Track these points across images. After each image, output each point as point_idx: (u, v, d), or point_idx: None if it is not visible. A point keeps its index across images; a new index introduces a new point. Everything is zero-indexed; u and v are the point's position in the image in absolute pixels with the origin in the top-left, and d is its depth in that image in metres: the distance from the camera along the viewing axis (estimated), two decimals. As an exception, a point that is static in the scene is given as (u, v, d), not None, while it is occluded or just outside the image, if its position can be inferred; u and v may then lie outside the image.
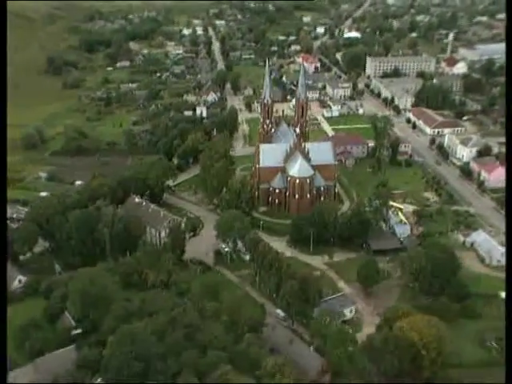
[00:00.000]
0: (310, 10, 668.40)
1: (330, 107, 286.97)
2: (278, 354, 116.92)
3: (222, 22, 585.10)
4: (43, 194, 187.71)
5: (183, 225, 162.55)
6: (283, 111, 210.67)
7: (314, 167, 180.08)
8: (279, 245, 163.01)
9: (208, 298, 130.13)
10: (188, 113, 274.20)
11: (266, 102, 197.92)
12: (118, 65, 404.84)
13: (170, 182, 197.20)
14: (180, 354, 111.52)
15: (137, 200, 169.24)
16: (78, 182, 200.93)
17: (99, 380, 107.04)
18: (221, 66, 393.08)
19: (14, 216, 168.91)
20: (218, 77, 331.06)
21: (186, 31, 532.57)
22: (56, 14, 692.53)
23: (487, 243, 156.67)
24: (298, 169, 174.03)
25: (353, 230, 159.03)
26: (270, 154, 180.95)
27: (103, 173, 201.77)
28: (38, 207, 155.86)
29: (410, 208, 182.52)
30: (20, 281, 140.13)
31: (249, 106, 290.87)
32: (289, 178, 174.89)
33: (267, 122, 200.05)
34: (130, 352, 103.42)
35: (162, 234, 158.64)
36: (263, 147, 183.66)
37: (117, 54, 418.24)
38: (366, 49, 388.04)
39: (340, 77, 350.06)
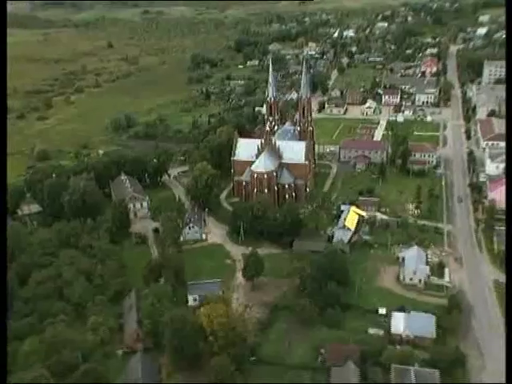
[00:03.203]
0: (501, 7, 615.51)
1: (403, 112, 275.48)
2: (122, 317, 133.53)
3: (385, 24, 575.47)
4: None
5: (145, 203, 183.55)
6: (288, 110, 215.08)
7: (283, 165, 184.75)
8: (219, 232, 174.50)
9: (105, 264, 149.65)
10: (258, 109, 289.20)
11: (269, 100, 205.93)
12: (248, 63, 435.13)
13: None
14: (40, 300, 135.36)
15: (122, 178, 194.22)
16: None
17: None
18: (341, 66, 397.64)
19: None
20: (313, 77, 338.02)
21: (337, 33, 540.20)
22: (245, 19, 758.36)
23: (411, 260, 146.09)
24: (257, 163, 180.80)
25: (284, 228, 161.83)
26: (244, 148, 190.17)
27: (148, 154, 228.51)
28: (36, 172, 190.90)
29: (383, 216, 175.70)
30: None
31: (322, 107, 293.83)
32: (250, 172, 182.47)
33: (271, 119, 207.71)
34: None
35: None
36: (240, 141, 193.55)
37: (251, 54, 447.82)
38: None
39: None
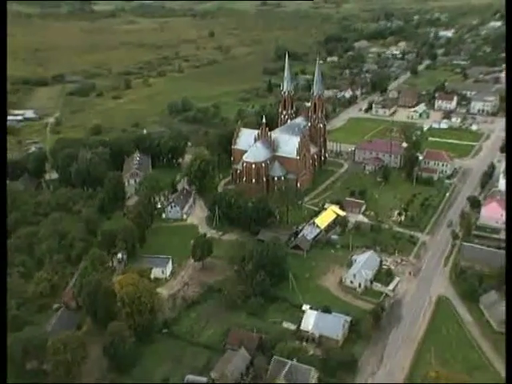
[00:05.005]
0: None
1: (450, 119, 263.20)
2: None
3: (497, 23, 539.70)
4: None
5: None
6: (305, 104, 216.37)
7: (277, 157, 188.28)
8: (201, 215, 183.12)
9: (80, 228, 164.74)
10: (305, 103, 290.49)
11: (283, 93, 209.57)
12: (328, 59, 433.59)
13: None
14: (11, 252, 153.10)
15: (135, 155, 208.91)
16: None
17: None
18: (419, 67, 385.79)
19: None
20: (373, 78, 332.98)
21: (442, 33, 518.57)
22: (355, 15, 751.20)
23: (357, 264, 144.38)
24: (248, 154, 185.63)
25: (252, 217, 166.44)
26: (245, 138, 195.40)
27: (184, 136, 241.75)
28: (59, 141, 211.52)
29: (364, 219, 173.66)
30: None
31: (370, 107, 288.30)
32: (242, 161, 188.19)
33: (284, 112, 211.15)
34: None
35: (126, 183, 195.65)
36: (243, 131, 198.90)
37: (334, 50, 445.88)
38: None
39: None
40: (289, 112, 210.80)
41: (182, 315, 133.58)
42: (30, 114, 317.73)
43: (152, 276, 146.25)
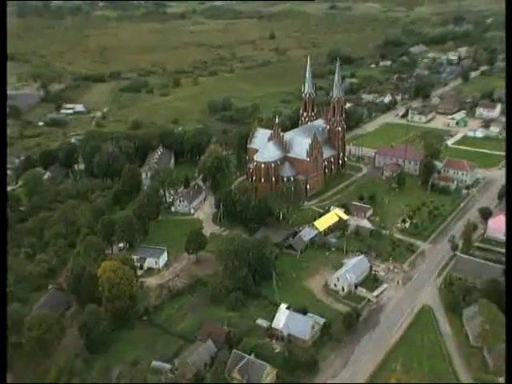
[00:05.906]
0: None
1: (488, 128, 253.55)
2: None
3: None
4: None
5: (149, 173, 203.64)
6: (322, 108, 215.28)
7: (288, 158, 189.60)
8: (209, 210, 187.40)
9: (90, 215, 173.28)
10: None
11: (304, 95, 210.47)
12: (381, 63, 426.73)
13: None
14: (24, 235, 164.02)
15: (158, 150, 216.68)
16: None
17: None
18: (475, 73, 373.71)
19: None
20: (417, 83, 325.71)
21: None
22: (425, 18, 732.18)
23: (344, 268, 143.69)
24: (258, 154, 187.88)
25: (252, 216, 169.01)
26: (260, 138, 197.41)
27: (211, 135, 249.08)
28: (87, 134, 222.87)
29: (367, 224, 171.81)
30: (48, 176, 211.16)
31: (406, 113, 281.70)
32: (253, 160, 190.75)
33: (305, 114, 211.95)
34: None
35: (143, 175, 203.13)
36: (259, 130, 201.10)
37: (388, 54, 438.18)
38: None
39: None
40: (309, 114, 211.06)
41: (165, 305, 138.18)
42: (80, 107, 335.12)
43: (146, 266, 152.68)
